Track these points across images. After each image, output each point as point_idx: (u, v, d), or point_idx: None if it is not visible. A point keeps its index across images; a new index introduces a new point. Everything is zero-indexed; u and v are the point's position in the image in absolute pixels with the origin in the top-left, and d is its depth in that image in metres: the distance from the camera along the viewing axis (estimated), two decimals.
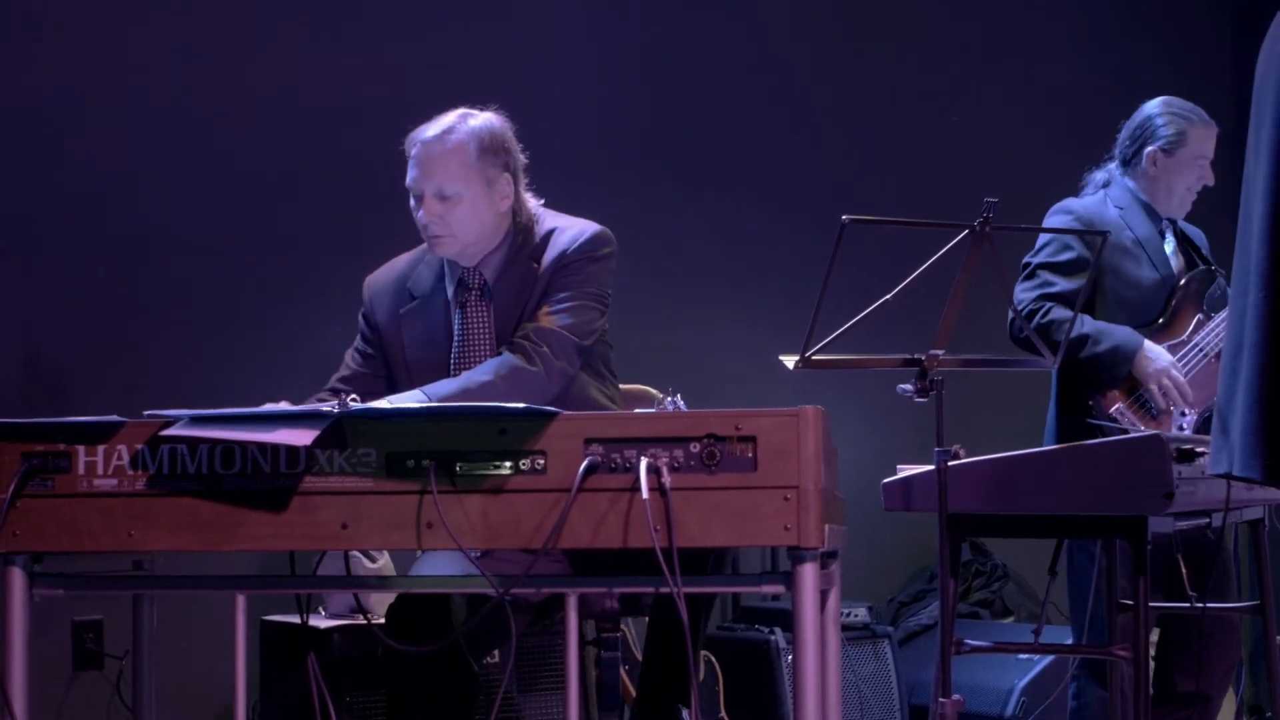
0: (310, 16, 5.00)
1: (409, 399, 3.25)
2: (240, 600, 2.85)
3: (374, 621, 3.48)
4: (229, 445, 2.74)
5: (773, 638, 4.82)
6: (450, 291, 3.57)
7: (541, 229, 3.56)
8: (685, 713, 3.34)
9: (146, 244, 4.68)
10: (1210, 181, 4.21)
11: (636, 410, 2.94)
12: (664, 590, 2.60)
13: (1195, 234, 4.29)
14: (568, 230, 3.55)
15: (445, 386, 3.33)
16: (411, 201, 3.52)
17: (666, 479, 2.64)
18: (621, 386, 3.74)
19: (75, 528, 2.75)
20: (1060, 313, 3.98)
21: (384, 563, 4.12)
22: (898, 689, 4.99)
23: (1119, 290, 4.10)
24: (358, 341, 3.67)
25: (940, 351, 3.07)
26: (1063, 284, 4.04)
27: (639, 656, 3.93)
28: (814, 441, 2.66)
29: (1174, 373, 4.00)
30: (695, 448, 2.67)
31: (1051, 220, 4.20)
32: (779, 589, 2.71)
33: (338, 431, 2.72)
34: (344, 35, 5.04)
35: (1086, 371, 4.00)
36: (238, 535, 2.73)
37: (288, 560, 2.98)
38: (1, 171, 4.50)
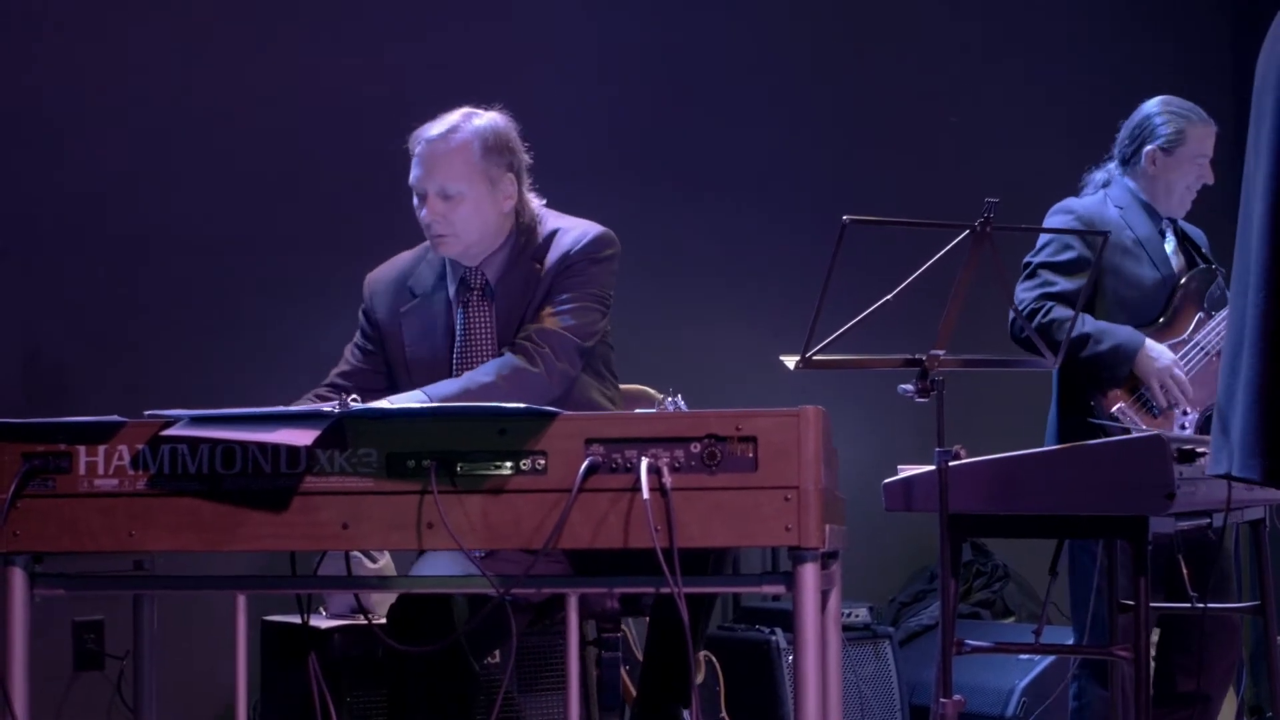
0: (310, 16, 5.00)
1: (410, 399, 3.25)
2: (241, 600, 2.85)
3: (375, 622, 3.48)
4: (230, 445, 2.74)
5: (773, 638, 4.82)
6: (452, 291, 3.57)
7: (544, 229, 3.56)
8: (686, 713, 3.34)
9: (146, 244, 4.68)
10: (1210, 180, 4.21)
11: (637, 410, 2.94)
12: (664, 590, 2.59)
13: (1195, 233, 4.29)
14: (571, 231, 3.55)
15: (446, 387, 3.33)
16: (415, 200, 3.52)
17: (667, 479, 2.64)
18: (622, 387, 3.74)
19: (76, 528, 2.75)
20: (1061, 312, 3.98)
21: (385, 563, 4.12)
22: (898, 689, 4.99)
23: (1119, 290, 4.10)
24: (357, 337, 3.67)
25: (941, 352, 3.07)
26: (1064, 283, 4.05)
27: (639, 656, 3.93)
28: (814, 442, 2.66)
29: (1176, 371, 4.00)
30: (696, 448, 2.67)
31: (1052, 220, 4.20)
32: (780, 589, 2.71)
33: (338, 431, 2.72)
34: (344, 35, 5.04)
35: (1088, 371, 4.00)
36: (238, 535, 2.73)
37: (288, 560, 2.98)
38: (1, 171, 4.50)
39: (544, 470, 2.69)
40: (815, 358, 3.03)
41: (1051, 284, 4.06)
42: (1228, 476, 2.33)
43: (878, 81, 6.01)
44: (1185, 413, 4.02)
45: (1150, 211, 4.18)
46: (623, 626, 3.88)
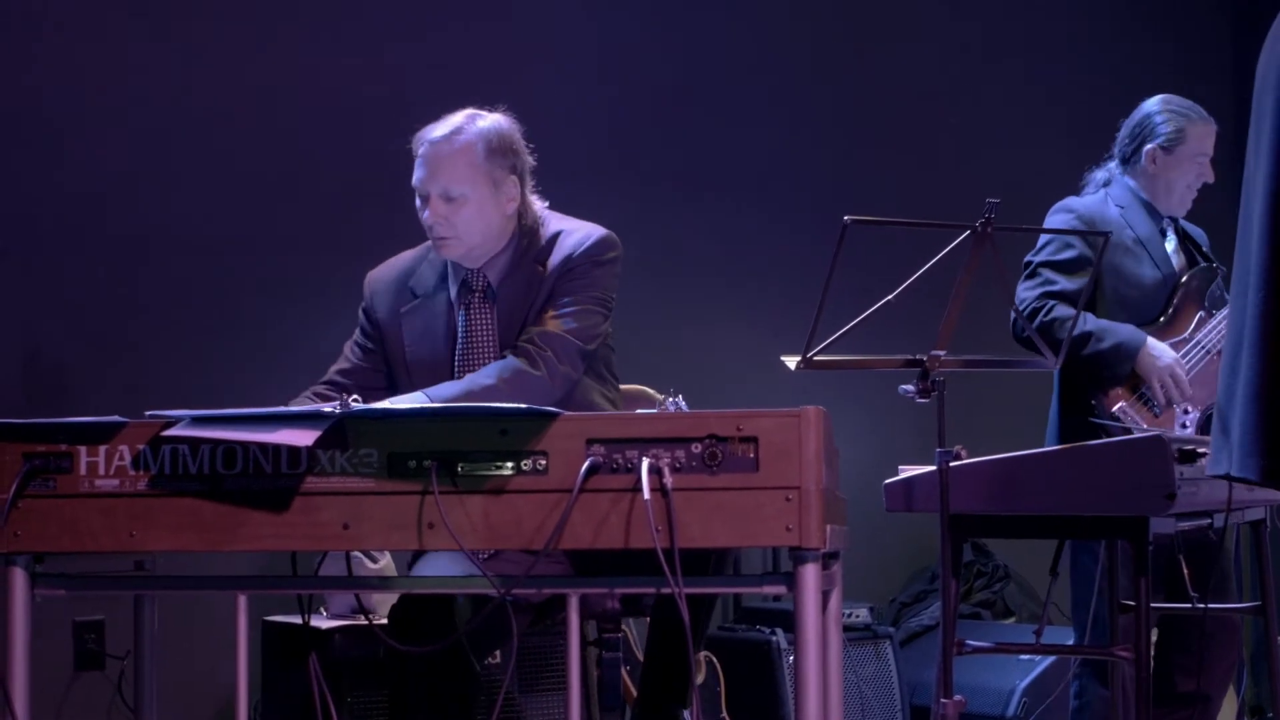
0: (310, 16, 5.00)
1: (411, 401, 3.25)
2: (242, 600, 2.85)
3: (375, 622, 3.48)
4: (230, 445, 2.74)
5: (774, 638, 4.82)
6: (453, 292, 3.56)
7: (547, 231, 3.55)
8: (686, 713, 3.34)
9: (146, 244, 4.68)
10: (1210, 179, 4.21)
11: (638, 411, 2.94)
12: (665, 591, 2.59)
13: (1196, 232, 4.29)
14: (574, 234, 3.54)
15: (448, 389, 3.33)
16: (417, 201, 3.51)
17: (668, 479, 2.64)
18: (622, 387, 3.73)
19: (77, 528, 2.75)
20: (1063, 310, 3.98)
21: (385, 563, 4.12)
22: (899, 690, 4.99)
23: (1120, 289, 4.10)
24: (357, 335, 3.66)
25: (942, 352, 3.07)
26: (1065, 282, 4.04)
27: (640, 657, 3.93)
28: (815, 442, 2.66)
29: (1176, 370, 4.00)
30: (697, 448, 2.67)
31: (1053, 218, 4.20)
32: (780, 590, 2.71)
33: (339, 432, 2.72)
34: (344, 35, 5.04)
35: (1089, 369, 4.00)
36: (239, 535, 2.73)
37: (289, 560, 2.98)
38: (1, 171, 4.50)
39: (545, 470, 2.69)
40: (816, 358, 3.03)
41: (1053, 283, 4.06)
42: (1227, 477, 2.34)
43: (878, 81, 6.01)
44: (1186, 411, 4.02)
45: (1151, 210, 4.18)
46: (623, 627, 3.88)
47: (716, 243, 5.62)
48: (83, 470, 2.76)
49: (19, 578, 2.75)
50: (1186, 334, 4.10)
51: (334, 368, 3.63)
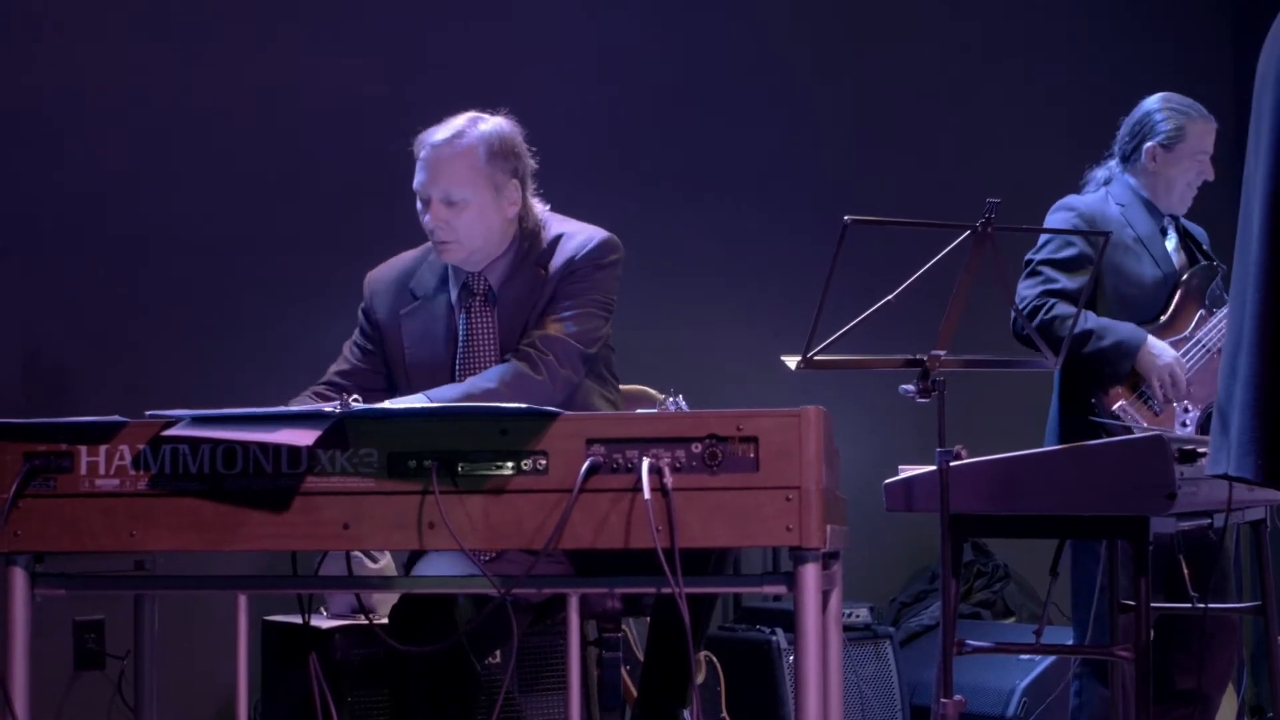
0: (310, 16, 5.00)
1: (412, 402, 3.24)
2: (242, 600, 2.86)
3: (376, 622, 3.48)
4: (231, 445, 2.74)
5: (774, 638, 4.82)
6: (454, 295, 3.56)
7: (548, 234, 3.54)
8: (686, 713, 3.34)
9: (146, 244, 4.68)
10: (1210, 176, 4.21)
11: (638, 411, 2.94)
12: (666, 591, 2.59)
13: (1197, 231, 4.29)
14: (575, 236, 3.53)
15: (449, 391, 3.32)
16: (418, 204, 3.50)
17: (668, 479, 2.64)
18: (622, 387, 3.73)
19: (77, 528, 2.75)
20: (1064, 309, 3.99)
21: (386, 563, 4.12)
22: (899, 689, 4.99)
23: (1120, 288, 4.10)
24: (357, 335, 3.65)
25: (942, 352, 3.07)
26: (1065, 280, 4.05)
27: (640, 657, 3.93)
28: (815, 442, 2.66)
29: (1176, 368, 4.00)
30: (697, 448, 2.67)
31: (1054, 217, 4.20)
32: (780, 589, 2.71)
33: (339, 432, 2.72)
34: (344, 35, 5.04)
35: (1090, 367, 4.00)
36: (239, 535, 2.73)
37: (289, 560, 2.98)
38: (1, 171, 4.50)
39: (545, 470, 2.69)
40: (816, 358, 3.03)
41: (1053, 281, 4.06)
42: (1226, 476, 2.34)
43: (878, 81, 6.01)
44: (1186, 410, 4.02)
45: (1151, 209, 4.18)
46: (623, 627, 3.88)
47: (716, 243, 5.62)
48: (83, 470, 2.76)
49: (19, 577, 2.75)
50: (1187, 332, 4.10)
51: (333, 368, 3.63)
